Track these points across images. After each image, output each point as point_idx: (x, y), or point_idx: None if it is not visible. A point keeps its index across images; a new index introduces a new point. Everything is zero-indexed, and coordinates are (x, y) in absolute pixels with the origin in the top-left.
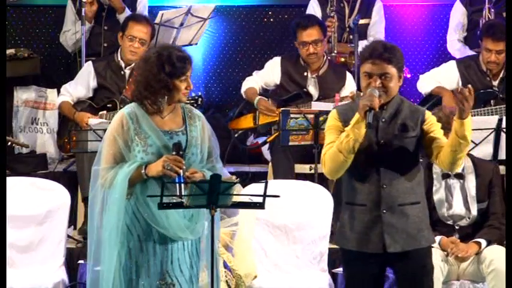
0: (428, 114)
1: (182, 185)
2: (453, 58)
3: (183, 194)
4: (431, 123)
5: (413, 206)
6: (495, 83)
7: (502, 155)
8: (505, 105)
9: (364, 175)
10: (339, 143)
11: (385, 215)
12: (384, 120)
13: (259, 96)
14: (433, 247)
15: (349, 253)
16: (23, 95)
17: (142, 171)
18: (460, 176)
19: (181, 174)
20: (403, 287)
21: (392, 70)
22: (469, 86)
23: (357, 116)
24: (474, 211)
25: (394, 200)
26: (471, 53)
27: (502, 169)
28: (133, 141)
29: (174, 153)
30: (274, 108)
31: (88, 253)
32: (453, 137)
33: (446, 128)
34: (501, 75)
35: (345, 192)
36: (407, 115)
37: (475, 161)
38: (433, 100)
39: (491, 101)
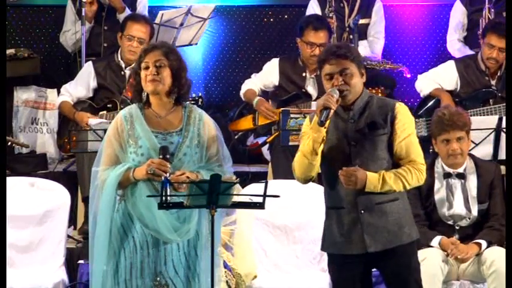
0: (398, 109)
1: (168, 188)
2: (453, 58)
3: (168, 194)
4: (400, 121)
5: (392, 203)
6: (493, 82)
7: (502, 155)
8: (503, 104)
9: (339, 178)
10: (302, 146)
11: (364, 215)
12: (352, 121)
13: (258, 97)
14: (413, 243)
15: (335, 257)
16: (23, 95)
17: (130, 174)
18: (462, 176)
19: (167, 177)
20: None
21: (351, 65)
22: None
23: (315, 117)
24: (475, 211)
25: (371, 199)
26: (471, 52)
27: (502, 169)
28: (127, 142)
29: (160, 156)
30: (274, 110)
31: (89, 253)
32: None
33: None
34: (499, 74)
35: (326, 197)
36: (375, 112)
37: (477, 161)
38: (431, 102)
39: (490, 100)
